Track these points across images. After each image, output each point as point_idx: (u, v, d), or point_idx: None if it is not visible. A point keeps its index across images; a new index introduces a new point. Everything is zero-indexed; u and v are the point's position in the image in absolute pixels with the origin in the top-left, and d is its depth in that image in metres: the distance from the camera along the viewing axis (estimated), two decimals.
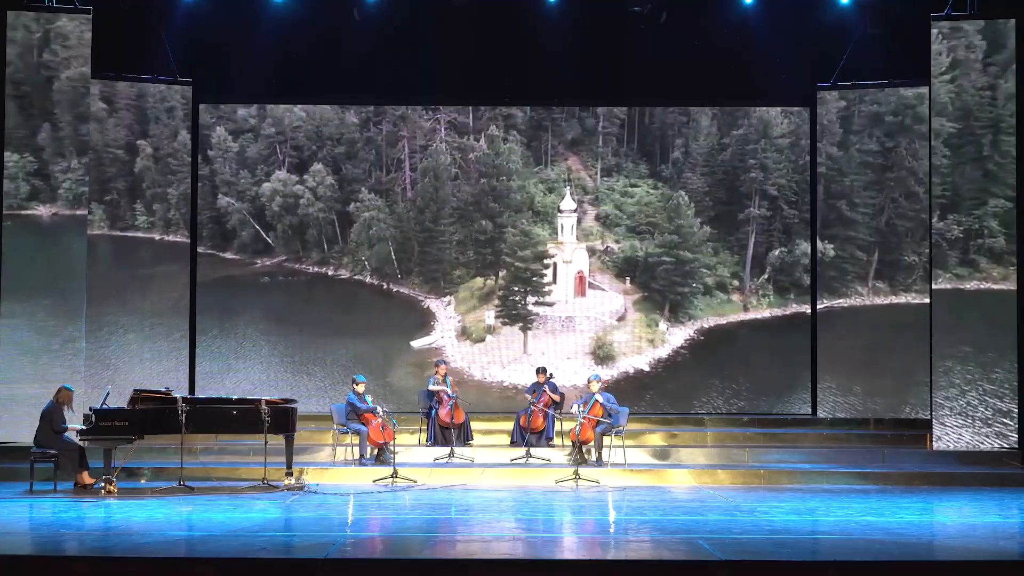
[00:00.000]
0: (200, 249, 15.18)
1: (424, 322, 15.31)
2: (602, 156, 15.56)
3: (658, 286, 15.41)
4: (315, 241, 15.26)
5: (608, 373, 15.06)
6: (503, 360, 15.26)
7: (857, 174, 15.08)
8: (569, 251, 15.50)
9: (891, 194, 14.97)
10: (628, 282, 15.50)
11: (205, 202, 15.20)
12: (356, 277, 15.26)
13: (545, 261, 15.40)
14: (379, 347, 15.24)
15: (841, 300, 15.00)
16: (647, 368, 15.28)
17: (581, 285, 15.50)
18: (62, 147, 13.55)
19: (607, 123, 15.62)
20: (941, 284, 13.48)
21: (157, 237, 14.99)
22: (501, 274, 15.38)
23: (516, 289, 15.35)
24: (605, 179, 15.55)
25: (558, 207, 15.53)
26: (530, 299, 15.34)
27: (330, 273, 15.22)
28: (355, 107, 15.50)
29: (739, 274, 15.45)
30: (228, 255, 15.22)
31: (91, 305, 14.02)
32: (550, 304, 15.35)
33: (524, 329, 15.31)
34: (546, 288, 15.35)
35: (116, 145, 14.82)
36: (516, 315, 15.34)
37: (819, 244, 15.13)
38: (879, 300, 14.86)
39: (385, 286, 15.27)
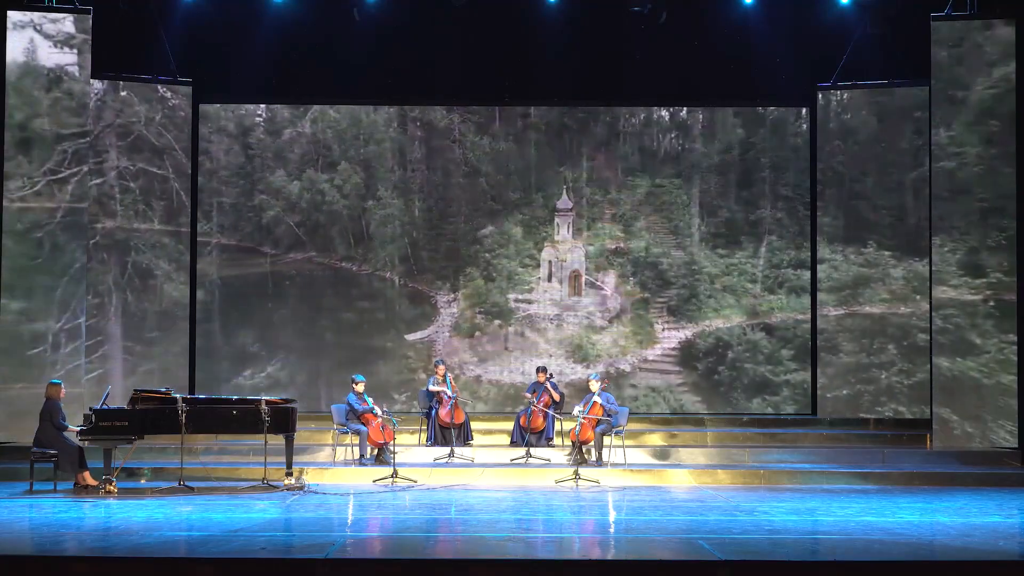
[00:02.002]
0: (247, 244, 15.30)
1: (429, 317, 15.32)
2: (624, 156, 15.52)
3: (661, 288, 15.39)
4: (342, 238, 15.28)
5: (585, 372, 15.04)
6: (482, 355, 15.32)
7: (883, 173, 14.95)
8: (564, 250, 15.47)
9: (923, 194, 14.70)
10: (633, 283, 15.46)
11: (244, 199, 15.26)
12: (377, 273, 15.29)
13: (527, 259, 15.41)
14: (381, 342, 15.27)
15: (864, 306, 14.75)
16: (627, 368, 15.27)
17: (576, 284, 15.44)
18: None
19: (628, 122, 15.58)
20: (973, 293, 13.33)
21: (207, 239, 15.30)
22: (485, 272, 15.42)
23: (498, 287, 15.37)
24: (628, 179, 15.50)
25: (555, 205, 15.53)
26: (510, 296, 15.32)
27: (355, 269, 15.23)
28: (369, 106, 15.49)
29: (752, 277, 15.35)
30: (264, 250, 15.31)
31: (96, 303, 14.22)
32: (531, 302, 15.34)
33: (503, 326, 15.33)
34: (527, 286, 15.34)
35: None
36: (497, 312, 15.35)
37: (823, 248, 15.09)
38: (905, 308, 14.61)
39: (399, 282, 15.31)
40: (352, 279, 15.22)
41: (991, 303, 13.28)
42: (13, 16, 13.52)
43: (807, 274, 15.28)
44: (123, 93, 14.80)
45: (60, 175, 13.53)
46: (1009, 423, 13.12)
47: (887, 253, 14.78)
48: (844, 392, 14.73)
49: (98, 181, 14.55)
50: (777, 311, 15.19)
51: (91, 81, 13.89)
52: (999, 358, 13.22)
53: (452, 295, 15.35)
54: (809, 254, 15.27)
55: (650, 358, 15.24)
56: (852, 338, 14.75)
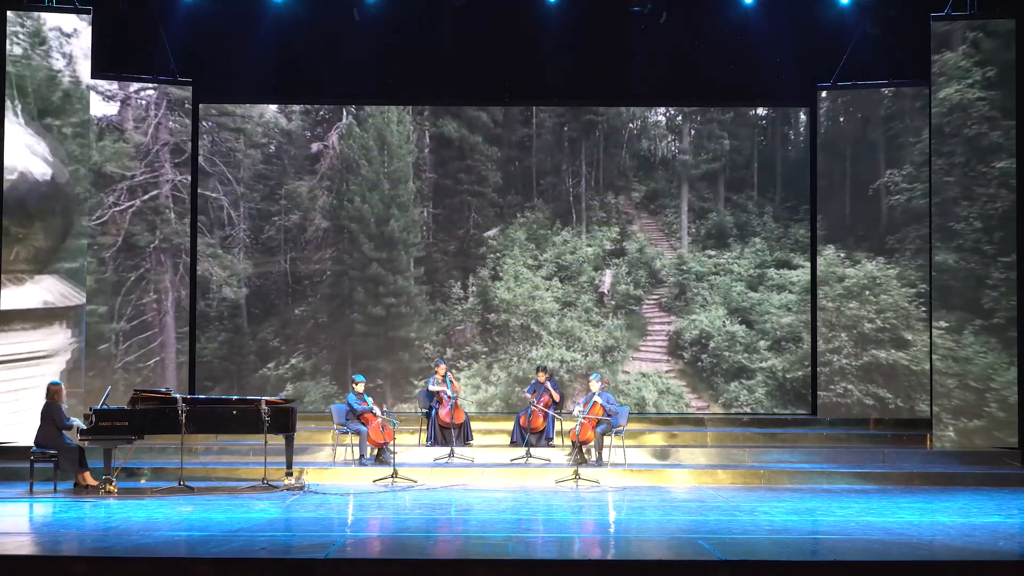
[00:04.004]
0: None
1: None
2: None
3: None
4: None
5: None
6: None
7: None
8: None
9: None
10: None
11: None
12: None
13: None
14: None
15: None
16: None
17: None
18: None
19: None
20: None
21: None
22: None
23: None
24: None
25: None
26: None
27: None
28: (366, 106, 15.75)
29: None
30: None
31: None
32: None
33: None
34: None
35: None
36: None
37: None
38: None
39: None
40: (380, 278, 15.63)
41: (921, 302, 14.34)
42: (13, 16, 13.51)
43: (789, 273, 15.54)
44: (159, 106, 15.14)
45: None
46: (926, 396, 14.12)
47: (861, 253, 15.03)
48: (799, 373, 15.30)
49: (153, 193, 15.02)
50: (757, 306, 15.54)
51: (92, 81, 13.87)
52: (925, 349, 14.15)
53: (463, 292, 15.69)
54: (792, 255, 15.56)
55: (641, 348, 15.71)
56: (810, 329, 15.30)
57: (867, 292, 14.83)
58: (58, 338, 13.27)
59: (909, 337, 14.58)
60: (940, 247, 13.66)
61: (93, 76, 13.92)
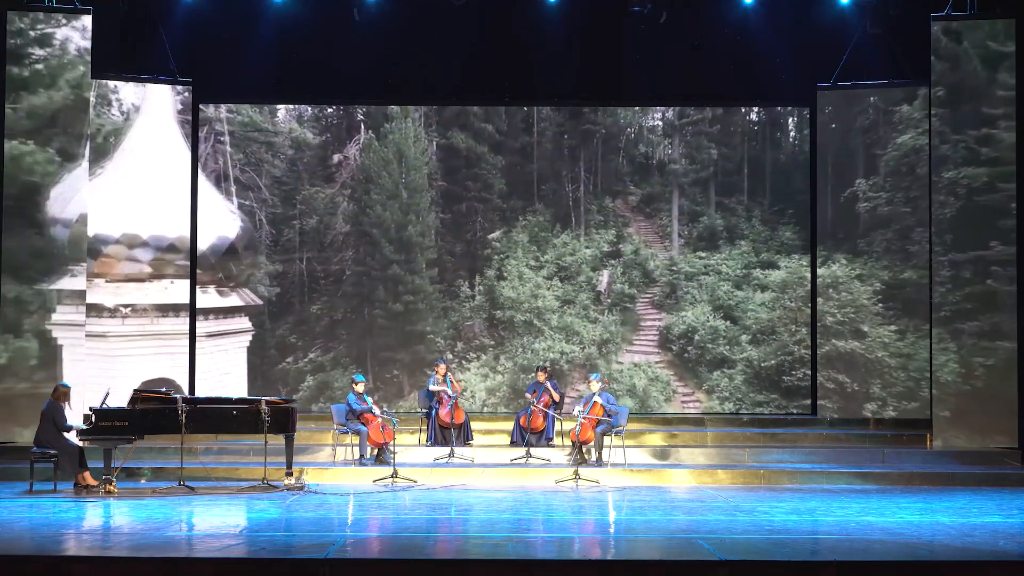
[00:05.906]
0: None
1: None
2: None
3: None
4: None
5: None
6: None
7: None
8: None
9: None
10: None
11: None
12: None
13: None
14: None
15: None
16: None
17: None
18: None
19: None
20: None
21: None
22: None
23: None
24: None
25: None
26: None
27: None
28: (363, 107, 16.01)
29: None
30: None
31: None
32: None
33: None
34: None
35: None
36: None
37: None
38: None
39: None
40: (399, 278, 16.00)
41: (878, 299, 15.06)
42: (13, 16, 13.51)
43: (772, 272, 15.77)
44: (226, 119, 15.61)
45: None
46: (878, 381, 14.96)
47: (840, 255, 15.28)
48: (772, 362, 15.61)
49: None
50: (741, 304, 15.86)
51: (91, 81, 13.87)
52: (879, 340, 15.00)
53: (471, 291, 16.06)
54: (777, 256, 15.79)
55: (634, 341, 16.10)
56: (782, 323, 15.69)
57: (830, 290, 15.25)
58: (244, 324, 15.74)
59: (865, 329, 15.02)
60: (899, 251, 14.85)
61: (93, 76, 13.94)
